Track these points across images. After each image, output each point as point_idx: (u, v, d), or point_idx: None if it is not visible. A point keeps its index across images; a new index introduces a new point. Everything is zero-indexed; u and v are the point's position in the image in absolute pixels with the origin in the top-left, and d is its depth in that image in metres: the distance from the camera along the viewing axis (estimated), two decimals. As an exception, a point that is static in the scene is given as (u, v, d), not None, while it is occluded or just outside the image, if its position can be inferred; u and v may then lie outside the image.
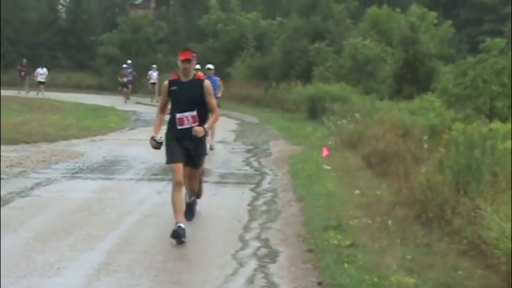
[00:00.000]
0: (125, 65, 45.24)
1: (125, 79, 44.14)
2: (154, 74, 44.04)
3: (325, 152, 17.96)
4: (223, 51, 49.02)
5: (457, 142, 11.48)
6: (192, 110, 9.84)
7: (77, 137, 22.93)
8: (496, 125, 13.57)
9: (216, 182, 14.93)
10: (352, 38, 37.66)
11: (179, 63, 9.88)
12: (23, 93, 46.35)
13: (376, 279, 7.64)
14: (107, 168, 16.67)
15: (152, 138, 10.01)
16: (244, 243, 9.64)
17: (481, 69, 20.15)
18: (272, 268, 8.51)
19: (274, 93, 39.49)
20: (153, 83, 43.76)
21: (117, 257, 8.87)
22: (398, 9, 39.92)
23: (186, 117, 9.85)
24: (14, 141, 20.55)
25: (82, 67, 56.73)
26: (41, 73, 46.91)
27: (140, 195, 13.35)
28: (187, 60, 9.85)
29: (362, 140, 18.73)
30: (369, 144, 17.47)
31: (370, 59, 35.42)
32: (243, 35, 47.95)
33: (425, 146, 14.89)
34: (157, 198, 13.01)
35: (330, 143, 20.34)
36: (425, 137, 15.78)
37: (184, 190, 10.28)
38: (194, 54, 9.97)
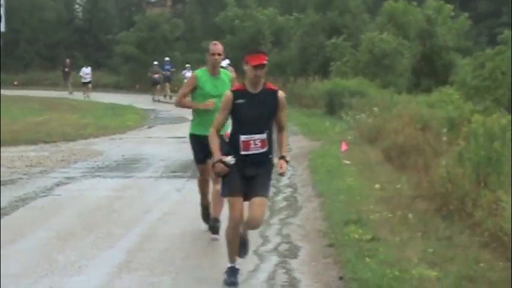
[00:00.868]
0: (155, 62, 44.46)
1: (156, 76, 43.27)
2: (188, 74, 43.73)
3: (344, 147, 17.89)
4: (241, 48, 48.93)
5: (476, 134, 11.41)
6: (262, 131, 7.54)
7: (95, 136, 23.02)
8: (516, 116, 13.48)
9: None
10: (369, 32, 37.57)
11: (247, 69, 7.39)
12: (65, 94, 44.22)
13: (397, 273, 7.60)
14: (126, 166, 16.71)
15: (220, 161, 7.46)
16: (265, 239, 9.63)
17: (500, 60, 20.07)
18: (293, 263, 8.51)
19: (292, 89, 39.42)
20: None
21: (138, 254, 8.88)
22: (415, 3, 39.70)
23: (254, 140, 7.52)
24: (33, 141, 20.76)
25: (99, 66, 56.79)
26: (87, 73, 44.31)
27: (160, 193, 13.35)
28: (261, 66, 7.36)
29: (381, 134, 18.66)
30: (388, 138, 17.41)
31: (388, 52, 35.29)
32: (260, 31, 47.86)
33: (445, 138, 14.85)
34: (176, 196, 13.02)
35: (348, 137, 20.26)
36: (444, 130, 15.74)
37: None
38: (268, 58, 7.46)
